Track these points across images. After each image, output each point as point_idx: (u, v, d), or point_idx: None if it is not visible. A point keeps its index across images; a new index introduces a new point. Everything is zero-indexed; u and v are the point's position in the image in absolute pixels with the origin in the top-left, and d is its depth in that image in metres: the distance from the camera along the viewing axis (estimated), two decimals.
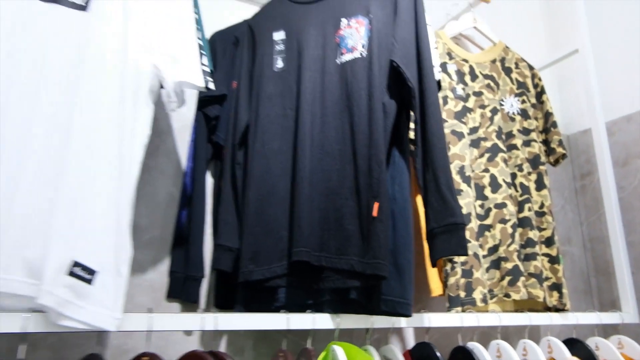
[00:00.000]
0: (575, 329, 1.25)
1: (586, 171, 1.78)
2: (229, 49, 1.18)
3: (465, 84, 1.31)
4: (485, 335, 1.26)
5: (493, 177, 1.24)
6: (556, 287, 1.24)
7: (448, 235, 0.82)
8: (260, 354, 1.09)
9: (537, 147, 1.33)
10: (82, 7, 0.82)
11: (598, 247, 1.70)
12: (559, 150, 1.35)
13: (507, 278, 1.16)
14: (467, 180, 1.20)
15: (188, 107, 1.14)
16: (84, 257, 0.70)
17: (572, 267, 1.68)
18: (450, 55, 1.32)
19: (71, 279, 0.68)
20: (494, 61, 1.38)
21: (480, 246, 1.19)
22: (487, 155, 1.26)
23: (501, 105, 1.34)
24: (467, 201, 1.18)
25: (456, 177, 1.18)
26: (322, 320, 0.88)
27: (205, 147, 1.11)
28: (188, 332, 1.05)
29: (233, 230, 0.99)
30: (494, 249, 1.20)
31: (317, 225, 0.90)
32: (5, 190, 0.71)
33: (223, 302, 1.04)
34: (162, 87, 0.88)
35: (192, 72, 0.87)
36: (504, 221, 1.21)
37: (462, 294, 1.10)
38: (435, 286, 1.14)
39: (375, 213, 0.81)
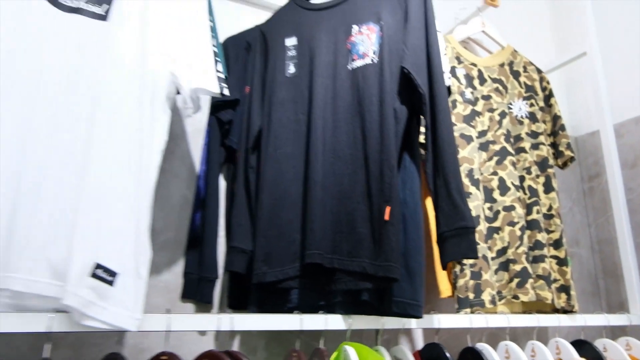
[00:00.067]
0: (583, 330, 1.26)
1: (594, 173, 1.79)
2: (241, 54, 1.21)
3: (474, 87, 1.32)
4: (494, 336, 1.27)
5: (501, 180, 1.26)
6: (564, 289, 1.25)
7: (458, 239, 0.84)
8: (273, 354, 1.11)
9: (545, 150, 1.34)
10: (103, 17, 0.84)
11: (606, 249, 1.71)
12: (567, 153, 1.36)
13: (516, 280, 1.17)
14: (475, 183, 1.22)
15: (201, 112, 1.16)
16: (105, 259, 0.73)
17: (580, 269, 1.69)
18: (459, 59, 1.33)
19: (94, 280, 0.71)
20: (502, 65, 1.39)
21: (489, 248, 1.21)
22: (495, 158, 1.28)
23: (509, 108, 1.35)
24: (475, 204, 1.19)
25: (465, 180, 1.19)
26: (334, 321, 0.90)
27: (218, 150, 1.13)
28: (202, 332, 1.07)
29: (246, 232, 1.01)
30: (502, 251, 1.21)
31: (329, 228, 0.92)
32: (29, 194, 0.73)
33: (236, 302, 1.07)
34: (178, 93, 0.90)
35: (207, 79, 0.89)
36: (512, 224, 1.22)
37: (471, 295, 1.12)
38: (445, 288, 1.15)
39: (387, 217, 0.83)
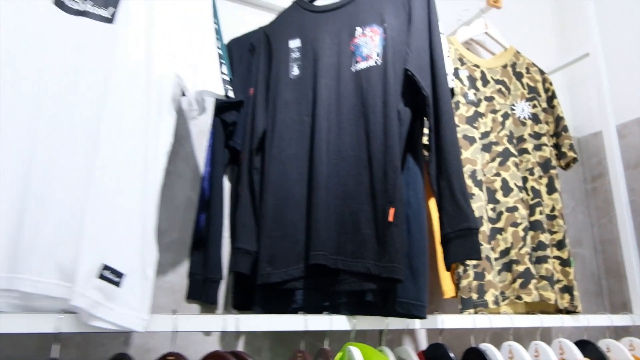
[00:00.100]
0: (586, 331, 1.26)
1: (597, 173, 1.79)
2: (245, 56, 1.22)
3: (477, 89, 1.32)
4: (497, 336, 1.27)
5: (504, 181, 1.26)
6: (567, 289, 1.26)
7: (462, 240, 0.84)
8: (277, 354, 1.12)
9: (548, 151, 1.35)
10: (109, 20, 0.85)
11: (609, 249, 1.71)
12: (570, 154, 1.37)
13: (519, 280, 1.18)
14: (478, 184, 1.22)
15: (206, 113, 1.16)
16: (112, 260, 0.73)
17: (582, 269, 1.69)
18: (461, 60, 1.34)
19: (101, 281, 0.72)
20: (505, 66, 1.40)
21: (492, 249, 1.21)
22: (498, 159, 1.28)
23: (512, 109, 1.36)
24: (478, 205, 1.20)
25: (468, 181, 1.20)
26: (338, 322, 0.91)
27: (223, 152, 1.14)
28: (207, 333, 1.08)
29: (251, 233, 1.02)
30: (505, 252, 1.22)
31: (333, 229, 0.92)
32: (37, 196, 0.74)
33: (241, 303, 1.07)
34: (183, 94, 0.91)
35: (212, 81, 0.90)
36: (515, 224, 1.23)
37: (475, 296, 1.12)
38: (448, 288, 1.16)
39: (391, 218, 0.84)
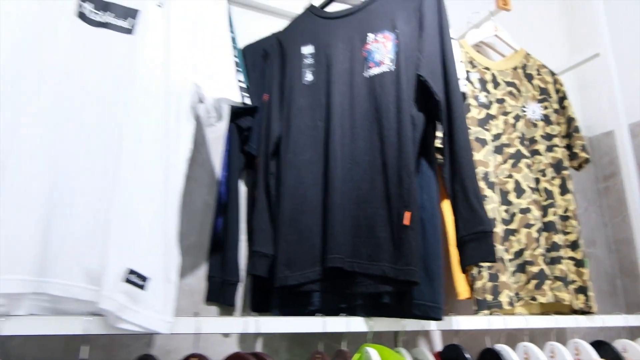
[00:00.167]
0: (601, 331, 1.26)
1: (609, 173, 1.79)
2: (258, 62, 1.24)
3: (488, 91, 1.33)
4: (512, 337, 1.28)
5: (517, 183, 1.27)
6: (582, 290, 1.26)
7: (477, 243, 0.86)
8: (295, 355, 1.14)
9: (560, 152, 1.35)
10: (129, 31, 0.88)
11: (623, 248, 1.70)
12: (582, 155, 1.37)
13: (533, 281, 1.19)
14: (491, 186, 1.23)
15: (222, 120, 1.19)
16: (137, 264, 0.76)
17: (596, 269, 1.69)
18: (472, 63, 1.35)
19: (127, 285, 0.74)
20: (515, 68, 1.41)
21: (506, 250, 1.22)
22: (510, 161, 1.29)
23: (523, 111, 1.36)
24: (492, 206, 1.20)
25: (481, 183, 1.21)
26: (356, 323, 0.93)
27: (238, 156, 1.16)
28: (226, 334, 1.10)
29: (268, 237, 1.03)
30: (519, 253, 1.23)
31: (349, 232, 0.94)
32: (64, 203, 0.77)
33: (258, 305, 1.09)
34: (200, 101, 0.94)
35: (229, 89, 0.92)
36: (528, 226, 1.24)
37: (489, 297, 1.13)
38: (462, 289, 1.17)
39: (406, 222, 0.85)
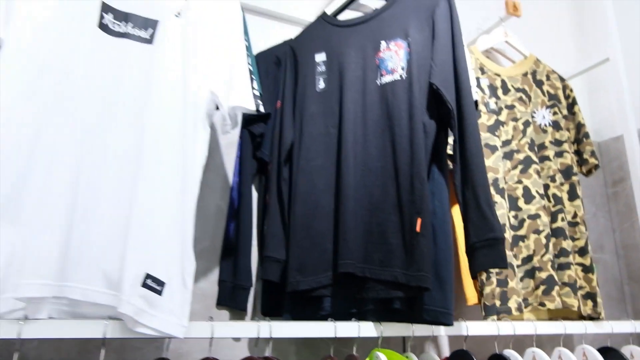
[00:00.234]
0: (609, 337, 1.27)
1: (618, 178, 1.79)
2: (271, 69, 1.25)
3: (498, 97, 1.34)
4: (520, 343, 1.29)
5: (526, 189, 1.28)
6: (590, 296, 1.26)
7: (488, 250, 0.87)
8: (303, 359, 1.15)
9: (569, 158, 1.36)
10: (148, 41, 0.90)
11: (632, 254, 1.70)
12: (592, 160, 1.38)
13: (542, 287, 1.19)
14: (500, 192, 1.24)
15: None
16: (154, 270, 0.78)
17: (604, 275, 1.69)
18: (482, 69, 1.36)
19: (145, 290, 0.76)
20: (525, 74, 1.41)
21: (515, 256, 1.23)
22: (520, 167, 1.30)
23: (533, 117, 1.37)
24: (501, 212, 1.21)
25: (490, 189, 1.21)
26: (366, 328, 0.94)
27: (251, 162, 1.18)
28: (237, 338, 1.11)
29: (280, 242, 1.05)
30: (528, 259, 1.23)
31: (360, 238, 0.95)
32: (84, 209, 0.79)
33: (269, 309, 1.11)
34: (217, 108, 0.95)
35: (244, 97, 0.94)
36: (537, 231, 1.24)
37: (498, 302, 1.14)
38: (471, 295, 1.18)
39: (418, 228, 0.86)
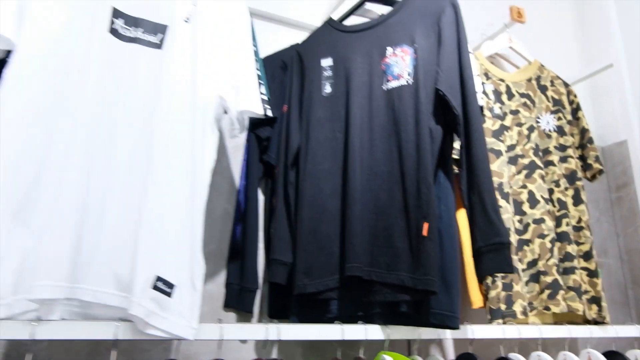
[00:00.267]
0: (614, 341, 1.27)
1: (622, 183, 1.79)
2: (277, 73, 1.27)
3: (502, 102, 1.35)
4: (525, 346, 1.29)
5: (531, 193, 1.29)
6: (595, 300, 1.27)
7: (495, 254, 0.87)
8: None
9: (573, 163, 1.36)
10: (158, 46, 0.91)
11: (635, 258, 1.71)
12: (596, 166, 1.39)
13: (547, 291, 1.20)
14: (505, 196, 1.25)
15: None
16: (165, 272, 0.78)
17: (608, 279, 1.69)
18: (487, 75, 1.37)
19: (155, 292, 0.77)
20: (529, 80, 1.42)
21: (520, 260, 1.23)
22: (524, 171, 1.31)
23: (537, 122, 1.38)
24: (506, 217, 1.22)
25: (495, 194, 1.22)
26: (373, 331, 0.95)
27: (257, 166, 1.19)
28: (243, 340, 1.12)
29: (287, 245, 1.06)
30: (533, 263, 1.24)
31: (367, 242, 0.96)
32: (94, 212, 0.80)
33: (275, 312, 1.11)
34: (225, 112, 0.96)
35: (252, 102, 0.95)
36: (542, 236, 1.25)
37: (503, 306, 1.15)
38: (476, 299, 1.18)
39: (425, 232, 0.87)
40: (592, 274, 1.29)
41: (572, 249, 1.27)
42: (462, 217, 1.13)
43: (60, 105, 0.81)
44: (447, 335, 1.02)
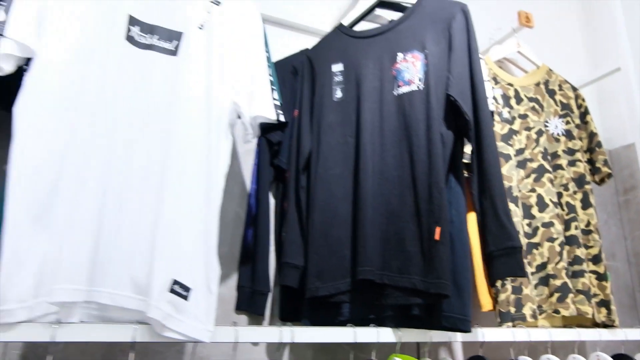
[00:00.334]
0: (623, 344, 1.28)
1: (630, 186, 1.80)
2: (288, 78, 1.28)
3: (511, 107, 1.36)
4: (533, 350, 1.30)
5: (540, 197, 1.29)
6: (604, 303, 1.28)
7: (507, 258, 0.88)
8: None
9: (582, 167, 1.37)
10: (173, 52, 0.92)
11: None
12: (605, 169, 1.39)
13: (556, 295, 1.20)
14: (514, 200, 1.26)
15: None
16: (181, 275, 0.80)
17: (616, 282, 1.69)
18: (495, 79, 1.38)
19: (172, 295, 0.78)
20: (537, 84, 1.43)
21: (529, 263, 1.24)
22: (533, 175, 1.31)
23: (546, 126, 1.39)
24: (515, 220, 1.22)
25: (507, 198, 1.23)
26: (385, 334, 0.96)
27: (268, 170, 1.20)
28: (255, 343, 1.13)
29: (298, 249, 1.07)
30: (542, 267, 1.25)
31: (378, 246, 0.97)
32: (112, 216, 0.81)
33: (287, 315, 1.12)
34: (238, 117, 0.98)
35: (265, 107, 0.96)
36: (551, 239, 1.26)
37: (513, 309, 1.15)
38: (486, 302, 1.19)
39: (437, 237, 0.88)
40: (601, 277, 1.30)
41: (581, 252, 1.28)
42: (470, 220, 1.14)
43: (78, 112, 0.82)
44: (458, 338, 1.03)
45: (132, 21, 0.91)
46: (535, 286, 1.23)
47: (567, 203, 1.33)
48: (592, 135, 1.43)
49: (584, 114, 1.45)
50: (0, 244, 0.70)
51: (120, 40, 0.89)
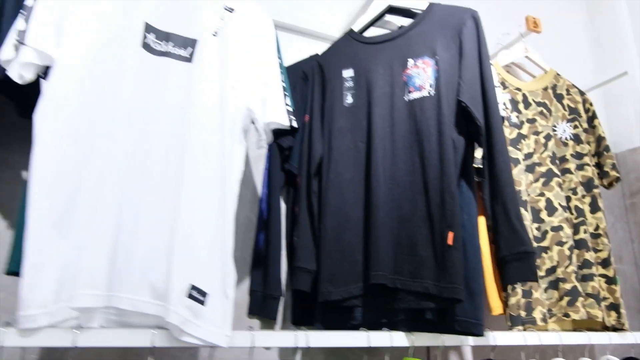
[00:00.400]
0: (632, 348, 1.28)
1: (636, 189, 1.80)
2: (298, 84, 1.29)
3: (519, 111, 1.37)
4: (543, 353, 1.30)
5: (549, 201, 1.30)
6: (614, 307, 1.28)
7: (519, 263, 0.89)
8: None
9: (590, 171, 1.38)
10: (188, 59, 0.94)
11: None
12: (613, 173, 1.40)
13: (566, 298, 1.21)
14: (523, 204, 1.26)
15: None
16: (198, 281, 0.81)
17: (623, 285, 1.69)
18: (503, 84, 1.39)
19: (190, 300, 0.79)
20: (545, 89, 1.44)
21: (538, 267, 1.25)
22: (542, 179, 1.32)
23: (554, 131, 1.40)
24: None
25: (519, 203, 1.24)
26: (398, 338, 0.96)
27: (279, 174, 1.21)
28: (267, 347, 1.14)
29: (310, 253, 1.08)
30: (551, 270, 1.25)
31: (390, 250, 0.98)
32: (130, 223, 0.82)
33: (299, 319, 1.13)
34: (252, 123, 0.99)
35: (278, 113, 0.97)
36: (560, 243, 1.26)
37: (523, 313, 1.16)
38: (496, 305, 1.19)
39: (450, 242, 0.89)
40: (610, 280, 1.30)
41: (590, 256, 1.28)
42: (481, 225, 1.15)
43: (96, 119, 0.83)
44: (470, 342, 1.03)
45: (148, 28, 0.93)
46: (545, 290, 1.24)
47: (576, 207, 1.33)
48: (600, 139, 1.44)
49: (592, 118, 1.46)
50: (23, 250, 0.72)
51: (136, 48, 0.90)
